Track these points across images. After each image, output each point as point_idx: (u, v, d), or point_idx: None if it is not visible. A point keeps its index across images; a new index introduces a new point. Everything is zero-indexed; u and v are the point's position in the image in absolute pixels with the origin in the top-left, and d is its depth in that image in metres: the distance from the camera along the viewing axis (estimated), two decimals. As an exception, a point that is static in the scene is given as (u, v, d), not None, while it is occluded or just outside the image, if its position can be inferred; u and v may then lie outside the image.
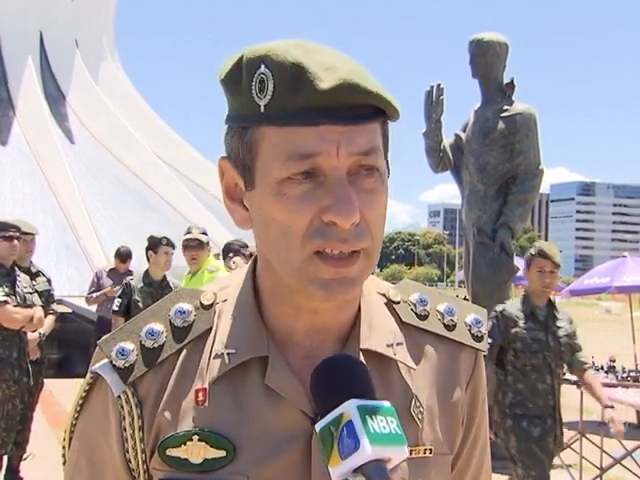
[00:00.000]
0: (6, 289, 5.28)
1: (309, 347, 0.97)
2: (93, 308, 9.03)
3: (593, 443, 6.40)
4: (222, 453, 0.92)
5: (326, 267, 0.88)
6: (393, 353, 0.99)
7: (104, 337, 1.00)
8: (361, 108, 0.88)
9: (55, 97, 29.60)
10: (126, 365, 0.97)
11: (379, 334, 0.99)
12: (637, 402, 5.88)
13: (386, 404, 0.84)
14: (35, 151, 26.23)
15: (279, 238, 0.90)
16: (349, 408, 0.81)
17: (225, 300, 1.01)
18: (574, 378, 6.30)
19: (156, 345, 0.98)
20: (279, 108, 0.87)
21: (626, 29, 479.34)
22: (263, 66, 0.88)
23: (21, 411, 5.62)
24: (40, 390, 6.14)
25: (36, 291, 5.70)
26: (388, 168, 0.96)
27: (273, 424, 0.93)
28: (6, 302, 5.23)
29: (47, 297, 6.06)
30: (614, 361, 7.07)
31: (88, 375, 1.00)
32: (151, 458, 0.96)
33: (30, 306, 5.48)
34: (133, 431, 0.96)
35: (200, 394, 0.95)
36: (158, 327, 0.99)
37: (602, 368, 6.81)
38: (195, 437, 0.93)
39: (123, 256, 8.51)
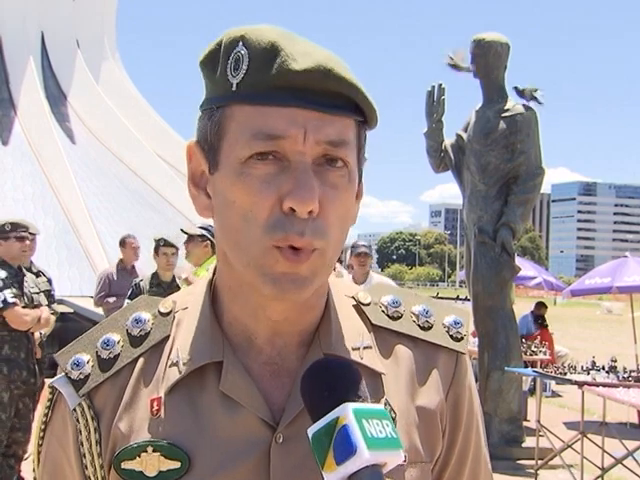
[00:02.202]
0: (15, 290, 5.29)
1: (270, 352, 0.94)
2: (98, 309, 8.97)
3: (594, 443, 6.39)
4: (177, 464, 0.89)
5: (282, 260, 0.85)
6: (359, 357, 0.94)
7: (61, 350, 0.98)
8: (336, 99, 0.86)
9: (56, 97, 29.59)
10: (80, 377, 0.94)
11: (345, 338, 0.95)
12: (638, 402, 5.87)
13: (381, 407, 0.82)
14: (36, 151, 26.22)
15: (239, 224, 0.87)
16: (345, 412, 0.78)
17: (186, 308, 0.98)
18: (575, 378, 6.31)
19: (111, 355, 0.95)
20: (250, 86, 0.86)
21: (626, 29, 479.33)
22: (241, 44, 0.87)
23: (22, 411, 5.62)
24: (41, 390, 6.14)
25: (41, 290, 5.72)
26: (360, 175, 0.93)
27: (230, 432, 0.89)
28: (15, 304, 5.24)
29: (48, 297, 6.07)
30: (615, 361, 7.05)
31: (48, 390, 0.98)
32: (109, 473, 0.92)
33: (37, 306, 5.51)
34: (90, 446, 0.93)
35: (155, 404, 0.92)
36: (114, 337, 0.96)
37: (603, 368, 6.79)
38: (149, 448, 0.90)
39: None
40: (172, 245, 6.47)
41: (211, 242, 5.85)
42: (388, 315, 1.00)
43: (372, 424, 0.78)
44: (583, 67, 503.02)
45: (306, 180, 0.84)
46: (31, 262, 5.86)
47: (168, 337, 0.96)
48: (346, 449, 0.76)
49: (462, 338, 1.01)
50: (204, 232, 5.85)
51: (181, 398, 0.92)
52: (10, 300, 5.21)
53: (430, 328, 1.00)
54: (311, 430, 0.80)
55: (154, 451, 0.89)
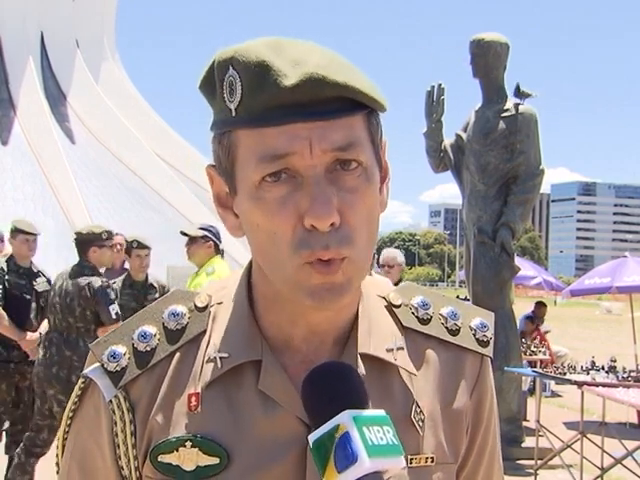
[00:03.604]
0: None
1: (306, 351, 0.94)
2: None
3: (594, 443, 6.39)
4: (215, 460, 0.90)
5: (315, 274, 0.85)
6: (393, 358, 0.96)
7: (97, 340, 0.98)
8: (335, 102, 0.85)
9: (56, 97, 29.60)
10: (117, 369, 0.94)
11: (379, 338, 0.96)
12: (638, 402, 5.87)
13: (381, 413, 0.81)
14: (36, 151, 26.23)
15: (268, 245, 0.88)
16: (345, 419, 0.78)
17: (221, 303, 0.99)
18: (574, 378, 6.31)
19: (148, 348, 0.95)
20: (247, 109, 0.85)
21: (626, 29, 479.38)
22: (231, 68, 0.86)
23: (22, 411, 5.62)
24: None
25: (35, 292, 5.70)
26: (380, 161, 0.92)
27: (267, 431, 0.91)
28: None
29: (47, 297, 6.06)
30: (615, 361, 7.05)
31: (80, 379, 0.98)
32: (143, 465, 0.94)
33: None
34: (125, 437, 0.94)
35: (193, 399, 0.93)
36: (151, 330, 0.97)
37: (603, 368, 6.79)
38: (188, 443, 0.91)
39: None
40: (145, 247, 6.46)
41: (214, 242, 5.85)
42: (418, 317, 1.02)
43: (373, 431, 0.78)
44: (583, 67, 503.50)
45: (320, 194, 0.84)
46: (31, 262, 5.85)
47: (205, 332, 0.97)
48: (347, 457, 0.76)
49: (488, 342, 1.03)
50: (206, 233, 5.84)
51: (218, 395, 0.93)
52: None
53: (458, 331, 1.02)
54: (312, 437, 0.80)
55: (193, 446, 0.91)
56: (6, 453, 5.65)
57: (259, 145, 0.85)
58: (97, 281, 5.26)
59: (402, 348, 0.98)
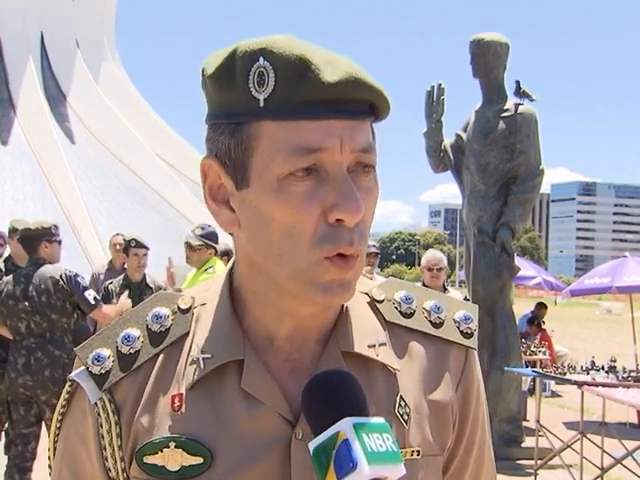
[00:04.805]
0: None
1: (289, 350, 0.95)
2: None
3: (594, 443, 6.39)
4: (199, 460, 0.91)
5: (332, 269, 0.87)
6: (375, 354, 0.96)
7: (82, 344, 1.00)
8: (361, 105, 0.87)
9: (56, 97, 29.60)
10: (102, 372, 0.96)
11: (361, 335, 0.97)
12: (638, 402, 5.87)
13: (381, 421, 0.82)
14: (36, 151, 26.24)
15: (282, 240, 0.87)
16: (345, 427, 0.79)
17: (204, 304, 0.99)
18: (574, 378, 6.31)
19: (132, 351, 0.96)
20: (281, 101, 0.85)
21: (626, 29, 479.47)
22: (262, 59, 0.85)
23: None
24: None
25: None
26: None
27: (251, 429, 0.91)
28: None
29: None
30: (615, 361, 7.04)
31: (67, 383, 0.99)
32: (130, 466, 0.94)
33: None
34: (111, 439, 0.95)
35: (176, 400, 0.93)
36: (134, 332, 0.97)
37: (603, 368, 6.79)
38: (172, 444, 0.91)
39: None
40: (143, 246, 6.44)
41: (214, 248, 5.97)
42: (401, 312, 1.02)
43: (372, 438, 0.79)
44: (583, 67, 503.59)
45: (351, 191, 0.85)
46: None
47: (188, 333, 0.98)
48: (347, 464, 0.77)
49: (472, 334, 1.04)
50: (208, 242, 5.92)
51: (201, 395, 0.93)
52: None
53: (441, 324, 1.03)
54: (312, 444, 0.81)
55: (176, 447, 0.91)
56: (5, 454, 5.64)
57: (292, 137, 0.85)
58: (66, 271, 5.12)
59: (384, 344, 0.98)
